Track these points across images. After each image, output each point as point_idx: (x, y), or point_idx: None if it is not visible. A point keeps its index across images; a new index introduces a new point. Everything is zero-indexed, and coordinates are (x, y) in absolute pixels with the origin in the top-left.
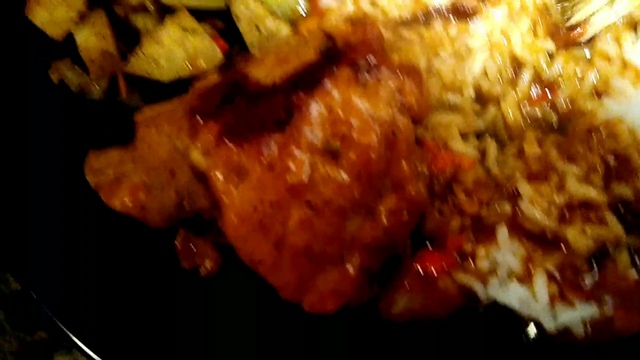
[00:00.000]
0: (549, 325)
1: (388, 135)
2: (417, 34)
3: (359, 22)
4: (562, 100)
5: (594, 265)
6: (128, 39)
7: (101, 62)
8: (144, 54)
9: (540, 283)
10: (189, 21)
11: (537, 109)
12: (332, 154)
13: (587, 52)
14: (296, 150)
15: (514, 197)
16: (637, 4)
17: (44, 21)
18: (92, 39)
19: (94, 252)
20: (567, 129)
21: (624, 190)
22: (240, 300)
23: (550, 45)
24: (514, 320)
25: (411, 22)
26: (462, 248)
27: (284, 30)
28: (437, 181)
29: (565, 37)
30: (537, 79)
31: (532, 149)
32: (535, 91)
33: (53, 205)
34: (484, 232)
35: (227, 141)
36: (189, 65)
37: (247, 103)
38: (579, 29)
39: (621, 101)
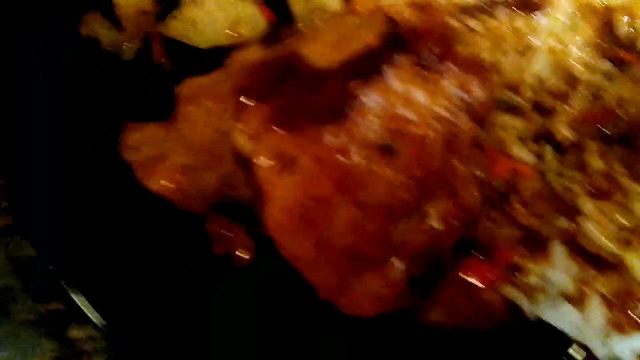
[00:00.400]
0: (600, 352)
1: (447, 135)
2: (483, 24)
3: (425, 7)
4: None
5: None
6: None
7: (137, 20)
8: (183, 16)
9: (595, 308)
10: None
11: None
12: (386, 151)
13: None
14: (350, 145)
15: (573, 212)
16: None
17: None
18: None
19: (120, 228)
20: (633, 141)
21: None
22: (273, 293)
23: (609, 66)
24: (558, 338)
25: (475, 9)
26: (512, 261)
27: (335, 4)
28: (492, 188)
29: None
30: (593, 97)
31: (595, 162)
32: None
33: (80, 175)
34: (536, 246)
35: (276, 127)
36: (230, 33)
37: (301, 87)
38: None
39: None
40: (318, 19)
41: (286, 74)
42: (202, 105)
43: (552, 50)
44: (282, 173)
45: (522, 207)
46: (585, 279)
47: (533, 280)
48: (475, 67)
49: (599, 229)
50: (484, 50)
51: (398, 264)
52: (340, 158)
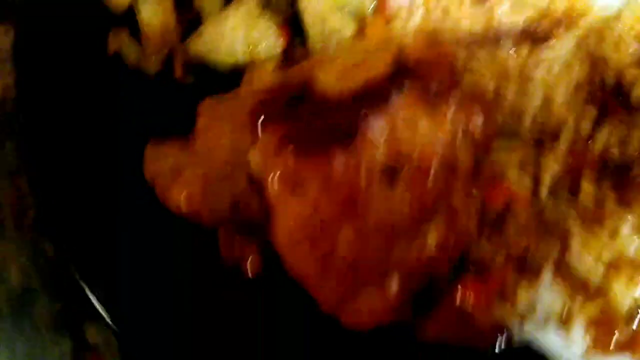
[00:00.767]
0: None
1: (448, 162)
2: (488, 54)
3: (432, 37)
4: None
5: (633, 320)
6: (189, 18)
7: (161, 38)
8: (204, 35)
9: (579, 330)
10: (254, 6)
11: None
12: (390, 175)
13: None
14: (355, 169)
15: (564, 238)
16: None
17: None
18: (155, 15)
19: (138, 237)
20: (626, 171)
21: None
22: (277, 305)
23: (595, 110)
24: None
25: (481, 39)
26: (504, 283)
27: (349, 29)
28: (489, 211)
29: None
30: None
31: (588, 188)
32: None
33: (101, 183)
34: (528, 270)
35: (287, 150)
36: (249, 53)
37: (313, 112)
38: None
39: None
40: (333, 41)
41: (299, 98)
42: (220, 125)
43: (547, 86)
44: (291, 194)
45: (516, 232)
46: (572, 303)
47: (523, 302)
48: (478, 97)
49: (587, 255)
50: (488, 80)
51: (396, 282)
52: (346, 181)
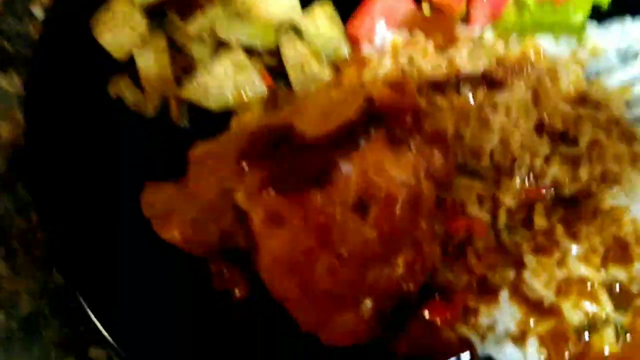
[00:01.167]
0: None
1: (412, 199)
2: (448, 99)
3: (398, 86)
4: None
5: (582, 336)
6: (183, 62)
7: (157, 85)
8: (197, 82)
9: (532, 346)
10: (240, 57)
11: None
12: (361, 211)
13: None
14: (330, 207)
15: (519, 264)
16: None
17: (109, 42)
18: (152, 63)
19: (136, 260)
20: (577, 202)
21: (618, 273)
22: (263, 326)
23: (547, 148)
24: None
25: (443, 84)
26: (467, 304)
27: (327, 74)
28: (451, 241)
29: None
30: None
31: (540, 221)
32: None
33: (105, 217)
34: (488, 292)
35: (269, 189)
36: (236, 98)
37: (292, 154)
38: None
39: (629, 192)
40: (312, 85)
41: (280, 141)
42: (210, 167)
43: (503, 128)
44: (273, 227)
45: (476, 259)
46: (527, 321)
47: (483, 321)
48: (439, 140)
49: (539, 279)
50: (448, 124)
51: (369, 304)
52: (322, 216)
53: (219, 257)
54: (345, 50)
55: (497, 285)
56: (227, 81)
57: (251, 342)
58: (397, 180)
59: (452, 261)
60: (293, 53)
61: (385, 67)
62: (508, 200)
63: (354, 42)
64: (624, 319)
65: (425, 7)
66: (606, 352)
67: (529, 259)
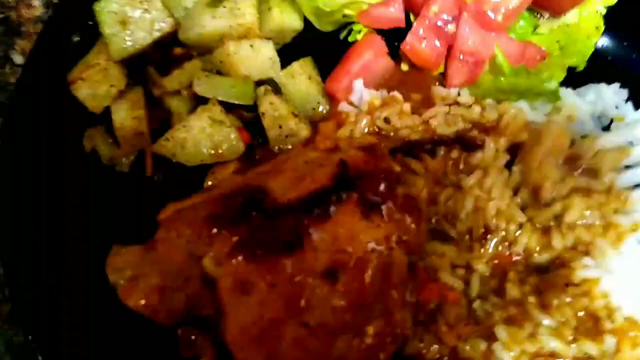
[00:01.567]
0: None
1: (383, 267)
2: (422, 163)
3: (372, 150)
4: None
5: None
6: (160, 114)
7: (133, 140)
8: (173, 138)
9: None
10: (218, 113)
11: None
12: (331, 280)
13: None
14: (300, 276)
15: (490, 336)
16: None
17: (86, 96)
18: (128, 119)
19: (100, 322)
20: (549, 271)
21: (589, 347)
22: None
23: (522, 217)
24: None
25: (418, 147)
26: None
27: (304, 131)
28: (422, 310)
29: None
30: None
31: (512, 290)
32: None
33: (72, 276)
34: None
35: (238, 256)
36: (213, 154)
37: (262, 220)
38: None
39: (600, 263)
40: (289, 143)
41: (252, 204)
42: (179, 231)
43: (476, 197)
44: (241, 295)
45: (447, 328)
46: None
47: None
48: (411, 206)
49: (510, 353)
50: (422, 189)
51: None
52: (291, 284)
53: (188, 324)
54: (323, 107)
55: (468, 357)
56: (204, 138)
57: None
58: (368, 247)
59: (423, 330)
60: (271, 110)
61: (361, 126)
62: (481, 266)
63: (332, 99)
64: None
65: (404, 65)
66: None
67: (500, 331)
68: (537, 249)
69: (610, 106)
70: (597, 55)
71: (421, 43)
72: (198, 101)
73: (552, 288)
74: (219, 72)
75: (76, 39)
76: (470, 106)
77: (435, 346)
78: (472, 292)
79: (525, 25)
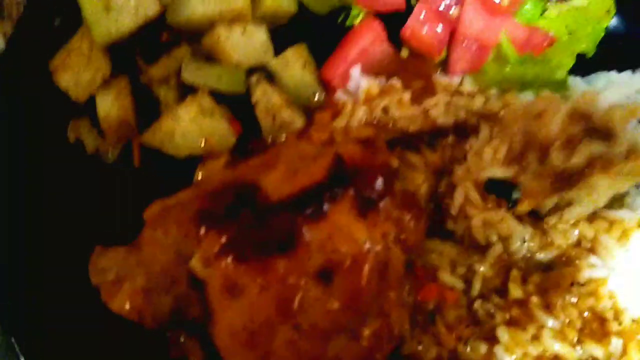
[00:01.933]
0: None
1: (380, 267)
2: (421, 156)
3: (369, 144)
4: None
5: None
6: (148, 105)
7: (119, 130)
8: (161, 128)
9: None
10: (207, 102)
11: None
12: (325, 280)
13: None
14: (292, 277)
15: (491, 338)
16: None
17: (69, 84)
18: (113, 108)
19: (87, 325)
20: (553, 268)
21: (595, 350)
22: None
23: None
24: None
25: (416, 141)
26: None
27: (299, 121)
28: (421, 310)
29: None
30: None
31: (515, 291)
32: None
33: (55, 278)
34: None
35: (228, 256)
36: (202, 145)
37: (254, 218)
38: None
39: (606, 261)
40: (283, 133)
41: (243, 201)
42: (166, 229)
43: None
44: (231, 297)
45: (446, 329)
46: None
47: None
48: (410, 203)
49: (511, 356)
50: (420, 183)
51: None
52: (283, 285)
53: (173, 326)
54: (318, 95)
55: (468, 358)
56: (194, 128)
57: None
58: (364, 247)
59: (421, 332)
60: (264, 99)
61: (358, 116)
62: (485, 268)
63: (328, 87)
64: None
65: (405, 51)
66: None
67: (502, 333)
68: (537, 246)
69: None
70: (608, 40)
71: (422, 28)
72: (187, 90)
73: (557, 287)
74: (209, 59)
75: (57, 23)
76: (473, 96)
77: (434, 348)
78: (474, 292)
79: (532, 8)
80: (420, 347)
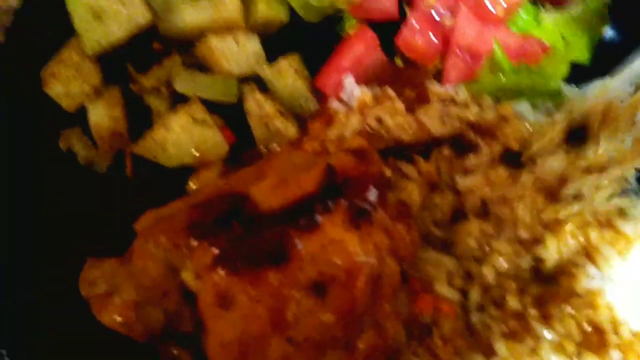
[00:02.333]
0: None
1: (374, 279)
2: (415, 167)
3: (362, 154)
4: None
5: None
6: (139, 113)
7: (111, 140)
8: (152, 138)
9: None
10: (199, 111)
11: (522, 260)
12: (318, 292)
13: None
14: (285, 289)
15: (488, 351)
16: None
17: (59, 94)
18: (105, 118)
19: (78, 338)
20: (551, 280)
21: None
22: None
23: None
24: None
25: (410, 151)
26: None
27: (292, 130)
28: (416, 322)
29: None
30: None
31: (513, 303)
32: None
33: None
34: None
35: (220, 268)
36: (195, 155)
37: (244, 230)
38: None
39: (604, 272)
40: (276, 142)
41: (233, 212)
42: (157, 241)
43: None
44: (222, 310)
45: (442, 342)
46: None
47: None
48: (403, 214)
49: None
50: (414, 194)
51: None
52: (276, 298)
53: (164, 340)
54: (312, 104)
55: None
56: (186, 138)
57: None
58: (357, 259)
59: (417, 344)
60: (256, 108)
61: (352, 125)
62: (489, 275)
63: (321, 96)
64: None
65: (398, 60)
66: None
67: (499, 345)
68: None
69: None
70: (602, 48)
71: (416, 36)
72: (179, 99)
73: (555, 299)
74: (201, 68)
75: (49, 33)
76: (467, 105)
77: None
78: (471, 303)
79: (526, 17)
80: (415, 359)
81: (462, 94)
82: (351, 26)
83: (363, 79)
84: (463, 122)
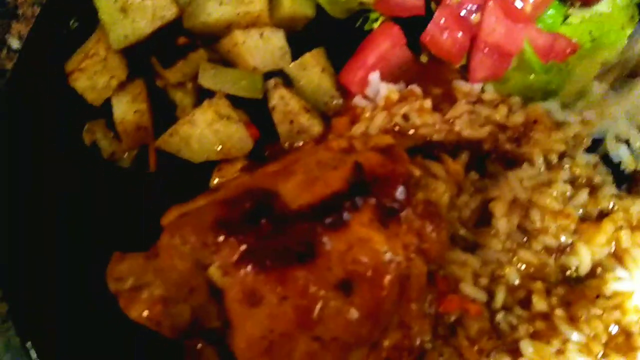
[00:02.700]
0: None
1: (401, 279)
2: (443, 166)
3: (389, 152)
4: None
5: None
6: (164, 109)
7: (135, 134)
8: (177, 133)
9: None
10: (224, 107)
11: (550, 261)
12: (345, 291)
13: None
14: (312, 287)
15: (514, 352)
16: None
17: (85, 87)
18: (129, 112)
19: (102, 332)
20: (578, 281)
21: None
22: None
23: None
24: None
25: (439, 148)
26: None
27: (317, 127)
28: (442, 322)
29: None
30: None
31: (539, 304)
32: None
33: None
34: None
35: (247, 265)
36: (219, 150)
37: (272, 227)
38: None
39: (634, 274)
40: (301, 139)
41: (261, 211)
42: (183, 237)
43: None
44: (250, 307)
45: (468, 342)
46: None
47: None
48: (431, 213)
49: None
50: (442, 193)
51: None
52: (303, 295)
53: (191, 335)
54: (336, 101)
55: None
56: (210, 134)
57: None
58: (385, 257)
59: (442, 344)
60: (281, 104)
61: (377, 123)
62: (513, 275)
63: (346, 92)
64: None
65: (424, 57)
66: None
67: (526, 346)
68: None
69: None
70: None
71: (442, 33)
72: (204, 94)
73: (581, 300)
74: (226, 63)
75: (75, 24)
76: (496, 105)
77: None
78: (497, 304)
79: (554, 14)
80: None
81: (490, 93)
82: (377, 22)
83: (388, 76)
84: (492, 124)
